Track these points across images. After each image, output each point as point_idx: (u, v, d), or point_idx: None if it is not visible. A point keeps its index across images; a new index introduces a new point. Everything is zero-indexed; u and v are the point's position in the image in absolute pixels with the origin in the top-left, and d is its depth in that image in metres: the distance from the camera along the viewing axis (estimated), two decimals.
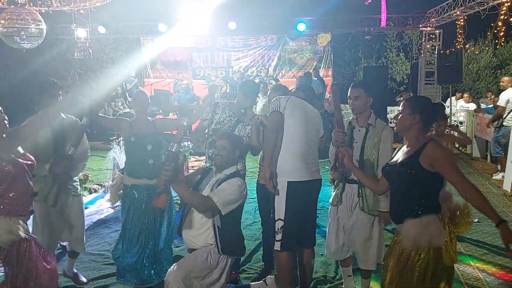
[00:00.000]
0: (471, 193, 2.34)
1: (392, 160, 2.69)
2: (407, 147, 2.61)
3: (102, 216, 5.78)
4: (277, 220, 3.37)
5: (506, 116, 7.67)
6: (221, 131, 3.74)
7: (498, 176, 7.84)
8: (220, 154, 3.18)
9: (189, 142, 7.85)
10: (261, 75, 14.99)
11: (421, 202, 2.48)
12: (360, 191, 3.35)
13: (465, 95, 11.89)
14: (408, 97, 2.84)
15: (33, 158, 2.76)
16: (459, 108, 11.57)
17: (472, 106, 10.91)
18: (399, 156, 2.63)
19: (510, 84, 7.71)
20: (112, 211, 6.02)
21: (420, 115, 2.54)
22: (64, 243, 4.02)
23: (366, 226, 3.39)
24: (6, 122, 2.62)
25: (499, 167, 8.07)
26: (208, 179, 3.27)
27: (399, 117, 2.62)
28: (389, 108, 11.85)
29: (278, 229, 3.36)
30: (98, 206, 6.24)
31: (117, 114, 13.19)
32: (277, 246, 3.36)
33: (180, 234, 3.23)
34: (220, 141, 3.23)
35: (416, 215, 2.47)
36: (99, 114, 3.76)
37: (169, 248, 3.90)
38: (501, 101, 7.70)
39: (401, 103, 2.68)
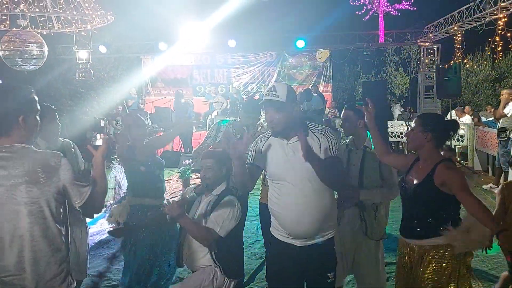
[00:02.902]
0: (480, 215, 2.34)
1: (408, 176, 2.65)
2: (422, 164, 2.59)
3: (103, 237, 5.72)
4: None
5: None
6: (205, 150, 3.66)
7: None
8: (207, 175, 2.99)
9: (190, 160, 7.86)
10: (261, 91, 15.08)
11: (438, 223, 2.47)
12: (362, 215, 3.20)
13: (456, 110, 11.75)
14: (420, 114, 2.81)
15: None
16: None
17: (467, 119, 10.91)
18: (414, 174, 2.60)
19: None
20: None
21: (432, 133, 2.51)
22: None
23: (371, 251, 3.28)
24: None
25: (501, 181, 8.02)
26: (198, 201, 3.14)
27: (411, 135, 2.60)
28: (389, 123, 11.85)
29: None
30: (99, 226, 6.18)
31: (118, 132, 13.25)
32: None
33: (179, 265, 3.16)
34: (205, 160, 3.03)
35: (434, 235, 2.48)
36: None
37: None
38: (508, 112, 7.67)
39: (414, 120, 2.65)
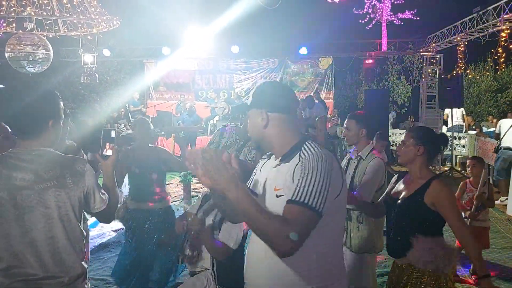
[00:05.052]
0: (466, 240, 2.36)
1: (393, 191, 2.64)
2: (410, 179, 2.57)
3: (104, 240, 5.72)
4: None
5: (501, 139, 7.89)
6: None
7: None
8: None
9: (193, 165, 7.84)
10: None
11: (422, 239, 2.42)
12: (345, 225, 3.12)
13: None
14: (411, 128, 2.84)
15: None
16: None
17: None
18: (401, 188, 2.59)
19: None
20: (114, 234, 5.96)
21: (425, 146, 2.51)
22: None
23: (351, 264, 3.18)
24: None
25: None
26: (208, 203, 3.14)
27: (402, 149, 2.60)
28: (390, 131, 11.87)
29: None
30: (100, 229, 6.17)
31: (120, 135, 13.25)
32: None
33: (179, 261, 3.18)
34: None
35: (417, 253, 2.43)
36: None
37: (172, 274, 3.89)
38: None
39: (404, 134, 2.65)
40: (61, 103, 2.02)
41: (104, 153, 2.24)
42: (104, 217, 2.11)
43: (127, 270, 3.76)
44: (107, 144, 2.28)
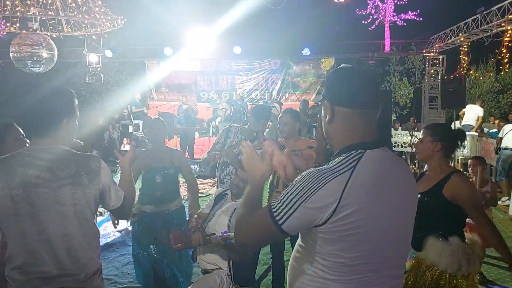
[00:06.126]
0: (488, 232, 2.40)
1: None
2: (430, 175, 2.61)
3: (109, 240, 5.72)
4: None
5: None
6: (236, 159, 3.69)
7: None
8: (239, 185, 3.18)
9: (196, 166, 7.91)
10: (265, 99, 15.12)
11: (444, 232, 2.47)
12: None
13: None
14: (428, 125, 2.85)
15: None
16: None
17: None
18: (421, 183, 2.61)
19: None
20: (118, 234, 5.95)
21: (442, 142, 2.55)
22: None
23: None
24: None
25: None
26: (221, 203, 3.26)
27: (420, 145, 2.63)
28: (393, 132, 11.85)
29: None
30: (104, 229, 6.16)
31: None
32: None
33: (195, 259, 3.20)
34: (241, 172, 3.17)
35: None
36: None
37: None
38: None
39: (422, 131, 2.69)
40: (76, 101, 2.02)
41: (122, 148, 2.22)
42: (120, 213, 2.11)
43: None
44: (125, 139, 2.26)
